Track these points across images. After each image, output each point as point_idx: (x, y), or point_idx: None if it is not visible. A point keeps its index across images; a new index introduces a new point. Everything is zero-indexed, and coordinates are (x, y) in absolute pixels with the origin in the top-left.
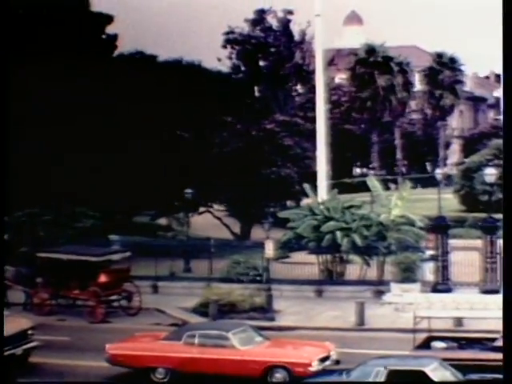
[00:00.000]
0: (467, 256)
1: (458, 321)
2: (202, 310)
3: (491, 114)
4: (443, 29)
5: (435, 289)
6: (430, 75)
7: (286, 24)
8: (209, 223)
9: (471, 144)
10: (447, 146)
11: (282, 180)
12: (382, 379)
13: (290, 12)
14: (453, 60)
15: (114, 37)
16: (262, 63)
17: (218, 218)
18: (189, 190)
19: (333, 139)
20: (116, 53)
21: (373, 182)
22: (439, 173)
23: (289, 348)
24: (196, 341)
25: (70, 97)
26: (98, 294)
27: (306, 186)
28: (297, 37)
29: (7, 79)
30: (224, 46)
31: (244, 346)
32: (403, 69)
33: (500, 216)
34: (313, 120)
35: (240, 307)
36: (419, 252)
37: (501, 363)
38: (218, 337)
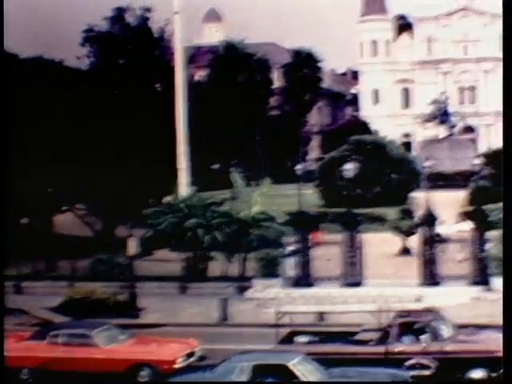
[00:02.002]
0: (328, 250)
1: (320, 315)
2: (65, 309)
3: (349, 111)
4: (302, 26)
5: (297, 284)
6: (289, 72)
7: (144, 21)
8: (72, 222)
9: (330, 140)
10: (307, 141)
11: (145, 177)
12: (247, 374)
13: (149, 9)
14: (311, 57)
15: None
16: (121, 61)
17: (80, 217)
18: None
19: (194, 136)
20: None
21: (235, 178)
22: (299, 168)
23: (153, 345)
24: (60, 340)
25: None
26: None
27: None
28: (156, 34)
29: None
30: (83, 44)
31: (108, 344)
32: (262, 65)
33: (360, 210)
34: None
35: (104, 305)
36: (280, 248)
37: (363, 356)
38: (82, 336)
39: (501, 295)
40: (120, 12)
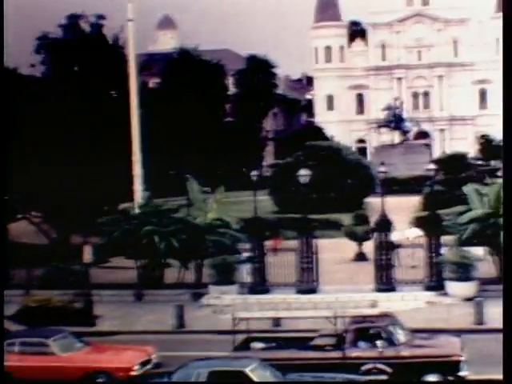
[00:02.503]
0: (284, 257)
1: (276, 321)
2: (21, 317)
3: (304, 116)
4: (256, 32)
5: (253, 290)
6: (244, 78)
7: (98, 29)
8: (28, 229)
9: (285, 146)
10: (262, 148)
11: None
12: (203, 381)
13: (103, 17)
14: (265, 63)
15: None
16: (75, 68)
17: (36, 224)
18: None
19: (149, 143)
20: None
21: (190, 184)
22: (254, 175)
23: (109, 353)
24: (16, 349)
25: None
26: None
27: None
28: (110, 41)
29: None
30: (37, 52)
31: (64, 352)
32: (217, 72)
33: (315, 216)
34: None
35: (60, 313)
36: (236, 254)
37: (320, 361)
38: (38, 344)
39: (455, 299)
40: (74, 19)
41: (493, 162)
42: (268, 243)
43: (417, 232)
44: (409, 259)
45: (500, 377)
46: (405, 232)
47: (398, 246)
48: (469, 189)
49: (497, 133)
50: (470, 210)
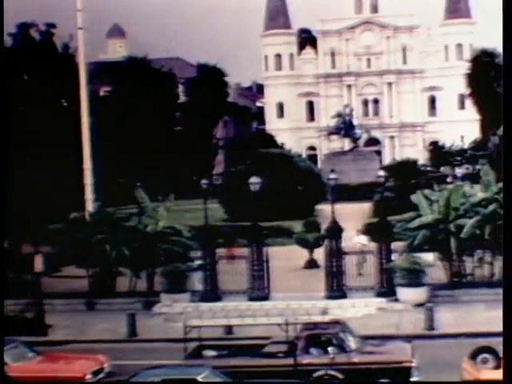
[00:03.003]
0: (235, 264)
1: (228, 329)
2: None
3: (255, 124)
4: (206, 40)
5: (204, 298)
6: (194, 86)
7: (49, 37)
8: None
9: (236, 154)
10: (213, 156)
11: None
12: None
13: (53, 25)
14: (216, 71)
15: None
16: (25, 77)
17: None
18: None
19: (100, 151)
20: None
21: (141, 193)
22: (205, 183)
23: (61, 362)
24: None
25: None
26: None
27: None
28: (60, 50)
29: None
30: None
31: (16, 362)
32: (167, 80)
33: (266, 224)
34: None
35: (11, 323)
36: (188, 262)
37: (272, 368)
38: None
39: (406, 306)
40: (25, 28)
41: (442, 169)
42: (224, 251)
43: (363, 239)
44: (359, 266)
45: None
46: (352, 239)
47: (349, 252)
48: (417, 196)
49: (446, 139)
50: (419, 216)
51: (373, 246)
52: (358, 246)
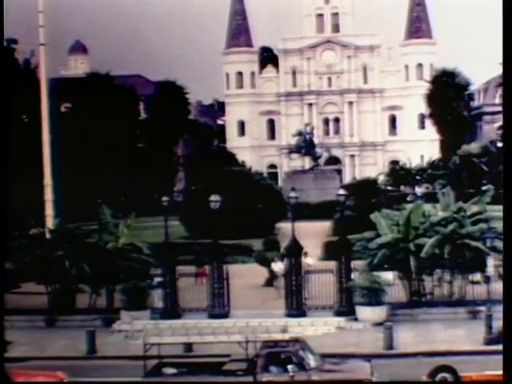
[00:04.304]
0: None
1: (188, 346)
2: None
3: (216, 142)
4: (167, 58)
5: (164, 315)
6: (155, 103)
7: (10, 53)
8: None
9: (197, 171)
10: (173, 173)
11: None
12: None
13: (14, 41)
14: (177, 88)
15: None
16: None
17: None
18: None
19: (61, 167)
20: None
21: (101, 209)
22: (165, 200)
23: (20, 379)
24: None
25: None
26: None
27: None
28: (21, 65)
29: None
30: None
31: None
32: (128, 97)
33: (227, 242)
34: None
35: None
36: (148, 279)
37: None
38: None
39: (365, 324)
40: None
41: (402, 188)
42: (195, 270)
43: (310, 260)
44: (320, 284)
45: None
46: (312, 257)
47: (309, 271)
48: (376, 216)
49: (406, 158)
50: (378, 235)
51: (333, 264)
52: (325, 264)
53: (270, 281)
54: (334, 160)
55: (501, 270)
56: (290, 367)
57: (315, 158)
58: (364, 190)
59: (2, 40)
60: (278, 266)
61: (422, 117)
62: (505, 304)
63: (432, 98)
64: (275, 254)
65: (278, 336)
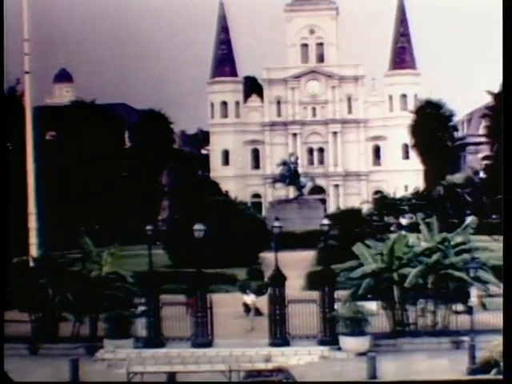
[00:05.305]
0: (179, 310)
1: (171, 375)
2: None
3: (200, 171)
4: (152, 87)
5: (148, 344)
6: (140, 132)
7: None
8: None
9: (181, 200)
10: (158, 202)
11: None
12: None
13: None
14: (161, 118)
15: None
16: None
17: None
18: None
19: (45, 195)
20: None
21: (86, 238)
22: (149, 229)
23: None
24: None
25: None
26: None
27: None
28: (6, 94)
29: None
30: None
31: None
32: (113, 126)
33: (210, 271)
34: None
35: None
36: (131, 308)
37: None
38: None
39: (350, 354)
40: None
41: (386, 218)
42: (186, 300)
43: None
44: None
45: None
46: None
47: (293, 301)
48: (358, 247)
49: (390, 188)
50: (361, 265)
51: (316, 294)
52: (308, 293)
53: (254, 310)
54: (318, 189)
55: (484, 300)
56: None
57: (299, 187)
58: (348, 219)
59: None
60: (250, 299)
61: (406, 147)
62: (505, 305)
63: (416, 129)
64: (259, 284)
65: (262, 365)
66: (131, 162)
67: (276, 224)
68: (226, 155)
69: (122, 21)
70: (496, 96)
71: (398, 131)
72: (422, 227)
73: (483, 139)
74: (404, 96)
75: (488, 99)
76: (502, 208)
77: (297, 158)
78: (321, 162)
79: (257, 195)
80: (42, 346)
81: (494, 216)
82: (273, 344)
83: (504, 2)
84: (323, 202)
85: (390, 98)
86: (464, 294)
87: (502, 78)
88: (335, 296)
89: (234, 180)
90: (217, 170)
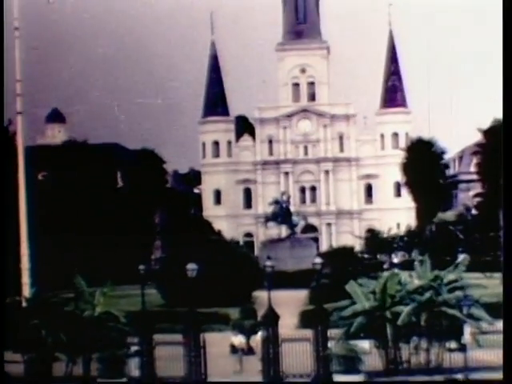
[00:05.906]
0: (172, 350)
1: None
2: None
3: (192, 211)
4: (143, 127)
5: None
6: (132, 172)
7: None
8: None
9: (173, 240)
10: (150, 241)
11: None
12: None
13: None
14: (153, 157)
15: None
16: None
17: None
18: None
19: (38, 236)
20: None
21: (78, 278)
22: (142, 268)
23: None
24: None
25: None
26: None
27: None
28: None
29: None
30: None
31: None
32: (106, 166)
33: (203, 310)
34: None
35: None
36: (124, 347)
37: None
38: None
39: None
40: None
41: (379, 256)
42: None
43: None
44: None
45: None
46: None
47: (286, 340)
48: (351, 286)
49: (382, 226)
50: (354, 303)
51: (309, 333)
52: (301, 332)
53: (247, 349)
54: (310, 228)
55: (477, 337)
56: None
57: (292, 226)
58: (340, 257)
59: None
60: (238, 340)
61: (398, 185)
62: (505, 305)
63: (408, 167)
64: (252, 323)
65: None
66: (124, 202)
67: (268, 263)
68: (217, 195)
69: (118, 62)
70: (486, 133)
71: (390, 169)
72: (417, 264)
73: (474, 176)
74: (395, 134)
75: (479, 136)
76: (501, 244)
77: (289, 197)
78: (313, 200)
79: (249, 234)
80: None
81: (486, 253)
82: (266, 383)
83: (504, 5)
84: (316, 240)
85: (382, 136)
86: (457, 332)
87: (503, 80)
88: (328, 334)
89: (226, 219)
90: (209, 209)
